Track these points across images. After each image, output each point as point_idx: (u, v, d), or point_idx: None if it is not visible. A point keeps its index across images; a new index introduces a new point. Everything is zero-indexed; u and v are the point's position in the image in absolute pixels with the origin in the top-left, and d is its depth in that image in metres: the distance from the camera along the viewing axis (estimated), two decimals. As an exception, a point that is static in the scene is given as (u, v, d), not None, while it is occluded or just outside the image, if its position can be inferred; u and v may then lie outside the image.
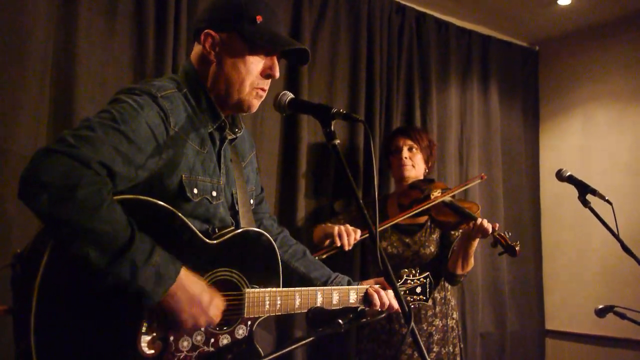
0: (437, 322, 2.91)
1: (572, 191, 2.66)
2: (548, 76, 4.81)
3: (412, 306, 2.15)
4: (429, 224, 2.95)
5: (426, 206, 2.74)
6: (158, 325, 1.49)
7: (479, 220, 2.66)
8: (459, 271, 2.83)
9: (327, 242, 2.54)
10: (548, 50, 4.83)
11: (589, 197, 2.61)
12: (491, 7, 4.17)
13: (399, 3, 3.84)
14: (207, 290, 1.52)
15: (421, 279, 2.17)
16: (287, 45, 1.74)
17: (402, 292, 2.11)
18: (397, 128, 3.32)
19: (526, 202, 4.59)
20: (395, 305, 1.97)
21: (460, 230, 2.83)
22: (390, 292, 1.99)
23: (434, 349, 2.88)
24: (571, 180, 2.69)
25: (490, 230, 2.65)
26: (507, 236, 2.67)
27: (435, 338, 2.89)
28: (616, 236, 2.49)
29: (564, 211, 4.47)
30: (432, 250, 2.91)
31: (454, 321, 2.99)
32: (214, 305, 1.53)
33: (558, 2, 4.07)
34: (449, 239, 2.96)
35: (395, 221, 2.70)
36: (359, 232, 2.52)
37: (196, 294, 1.49)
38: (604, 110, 4.44)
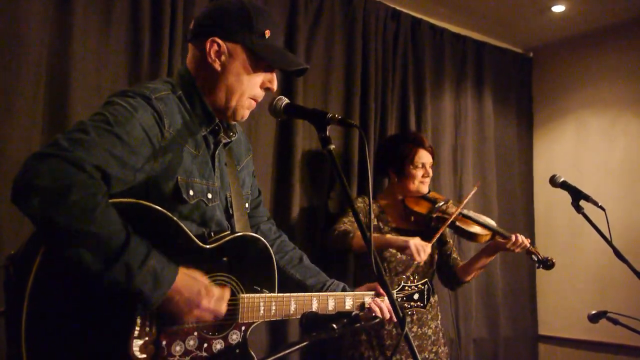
0: (433, 325, 2.99)
1: (565, 197, 2.67)
2: (542, 82, 4.83)
3: (410, 312, 2.15)
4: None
5: (452, 219, 2.87)
6: (150, 329, 1.48)
7: (519, 237, 2.84)
8: (468, 278, 3.01)
9: (408, 252, 2.62)
10: (542, 56, 4.86)
11: (582, 203, 2.61)
12: (486, 14, 4.19)
13: (394, 9, 3.85)
14: (205, 287, 1.51)
15: (419, 286, 2.16)
16: (295, 65, 1.76)
17: (400, 299, 2.11)
18: (414, 138, 3.10)
19: (520, 207, 4.61)
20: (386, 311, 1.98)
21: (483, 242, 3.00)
22: (386, 299, 1.99)
23: (433, 349, 2.96)
24: (565, 186, 2.69)
25: (528, 245, 2.86)
26: (538, 250, 2.91)
27: (434, 339, 2.97)
28: (609, 242, 2.49)
29: (558, 217, 4.49)
30: (434, 255, 3.00)
31: (439, 321, 3.07)
32: (215, 299, 1.53)
33: (552, 9, 4.10)
34: (446, 246, 3.07)
35: (436, 238, 2.82)
36: (429, 246, 2.66)
37: (194, 295, 1.48)
38: (597, 117, 4.47)
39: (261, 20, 1.70)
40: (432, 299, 2.98)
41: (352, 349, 2.94)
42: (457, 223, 2.92)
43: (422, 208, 2.98)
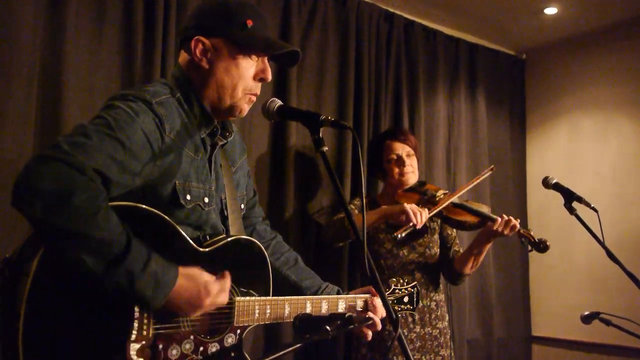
0: (440, 325, 2.93)
1: (558, 198, 2.68)
2: (535, 84, 4.85)
3: (401, 315, 2.15)
4: (431, 225, 2.97)
5: (439, 208, 2.75)
6: (147, 333, 1.48)
7: (506, 217, 2.70)
8: (467, 271, 2.88)
9: (403, 218, 2.58)
10: (535, 58, 4.88)
11: (575, 204, 2.63)
12: (479, 16, 4.20)
13: (387, 11, 3.86)
14: (204, 287, 1.51)
15: (409, 289, 2.18)
16: (279, 48, 1.74)
17: (390, 302, 2.11)
18: (387, 132, 3.15)
19: (513, 209, 4.61)
20: (382, 313, 1.97)
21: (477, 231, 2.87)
22: (378, 300, 1.99)
23: (440, 352, 2.89)
24: (557, 187, 2.71)
25: (518, 227, 2.71)
26: (531, 232, 2.75)
27: (441, 341, 2.90)
28: (602, 243, 2.50)
29: (550, 218, 4.50)
30: (436, 250, 2.96)
31: (447, 322, 3.00)
32: (214, 295, 1.53)
33: (545, 11, 4.12)
34: (446, 239, 2.99)
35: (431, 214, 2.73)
36: (426, 211, 2.61)
37: (193, 297, 1.49)
38: (590, 119, 4.49)
39: (241, 12, 1.70)
40: (438, 298, 2.95)
41: (354, 350, 2.95)
42: (445, 212, 2.79)
43: (410, 200, 2.84)
